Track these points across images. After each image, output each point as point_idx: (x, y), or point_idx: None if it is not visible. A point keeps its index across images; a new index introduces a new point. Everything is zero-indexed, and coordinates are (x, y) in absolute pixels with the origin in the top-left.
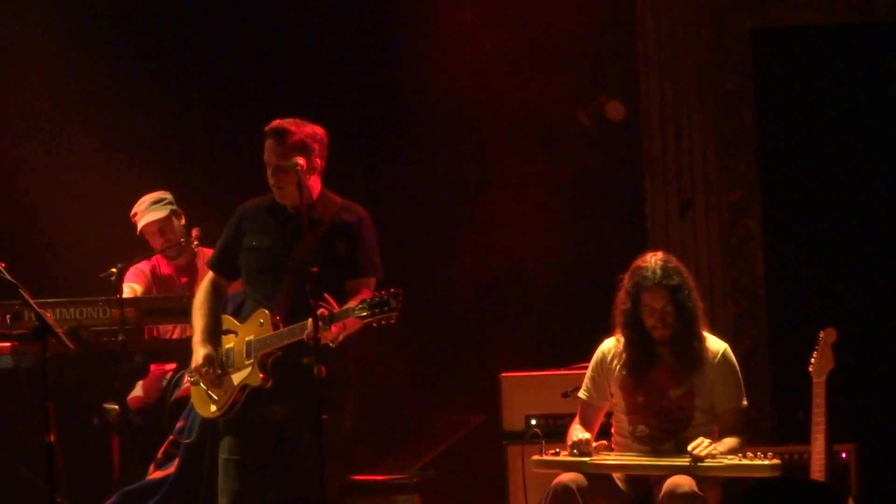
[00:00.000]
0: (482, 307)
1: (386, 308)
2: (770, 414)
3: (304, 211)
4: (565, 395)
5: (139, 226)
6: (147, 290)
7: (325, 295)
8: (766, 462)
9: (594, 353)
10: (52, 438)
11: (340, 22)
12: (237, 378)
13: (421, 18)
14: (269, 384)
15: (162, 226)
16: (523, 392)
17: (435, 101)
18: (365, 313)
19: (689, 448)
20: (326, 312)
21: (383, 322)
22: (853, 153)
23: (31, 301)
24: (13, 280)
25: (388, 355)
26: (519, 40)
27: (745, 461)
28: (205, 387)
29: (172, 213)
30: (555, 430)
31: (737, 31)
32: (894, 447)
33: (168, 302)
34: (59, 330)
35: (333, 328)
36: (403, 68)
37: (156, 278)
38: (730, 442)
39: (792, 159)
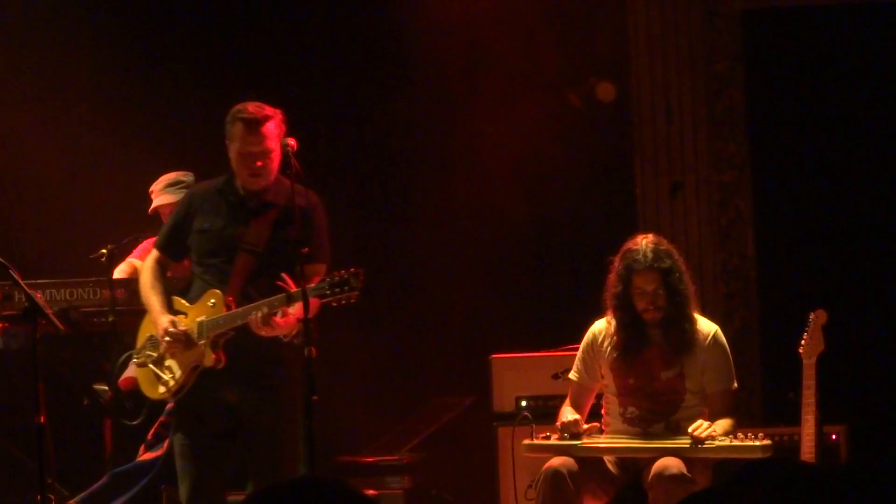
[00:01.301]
0: (472, 288)
1: (347, 287)
2: (760, 395)
3: (293, 196)
4: (556, 376)
5: (153, 205)
6: None
7: (283, 275)
8: (758, 443)
9: (584, 334)
10: (42, 419)
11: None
12: (189, 358)
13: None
14: (222, 364)
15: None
16: (513, 373)
17: (424, 82)
18: (326, 292)
19: (690, 430)
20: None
21: (343, 302)
22: (844, 134)
23: (22, 282)
24: (3, 261)
25: (378, 337)
26: (509, 22)
27: (736, 442)
28: (154, 368)
29: None
30: (545, 412)
31: (727, 12)
32: (884, 428)
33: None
34: (49, 311)
35: (281, 321)
36: (392, 50)
37: None
38: (724, 424)
39: (782, 140)
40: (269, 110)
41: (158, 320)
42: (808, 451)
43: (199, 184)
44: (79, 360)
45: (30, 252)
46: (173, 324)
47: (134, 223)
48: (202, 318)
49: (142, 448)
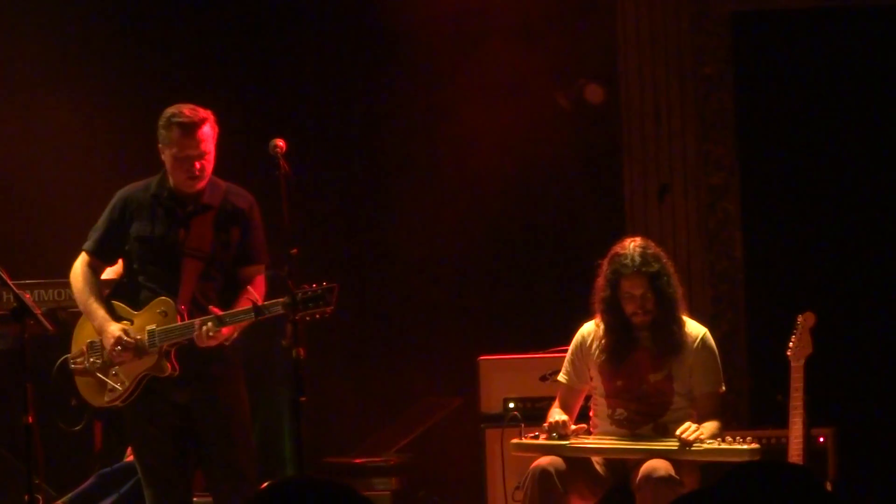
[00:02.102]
0: (460, 290)
1: (321, 303)
2: (748, 398)
3: (284, 189)
4: (544, 378)
5: None
6: None
7: (249, 288)
8: (746, 447)
9: (573, 336)
10: (30, 420)
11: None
12: (139, 367)
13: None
14: (176, 373)
15: None
16: (501, 375)
17: (411, 84)
18: (299, 307)
19: (678, 433)
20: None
21: (317, 317)
22: (833, 137)
23: (10, 282)
24: None
25: (365, 338)
26: (498, 23)
27: (724, 446)
28: (99, 375)
29: None
30: (533, 414)
31: (716, 15)
32: (872, 431)
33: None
34: (37, 311)
35: (225, 330)
36: (379, 50)
37: None
38: (711, 426)
39: (771, 143)
40: (203, 112)
41: (107, 328)
42: (795, 453)
43: (129, 187)
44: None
45: (18, 252)
46: (125, 332)
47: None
48: (152, 326)
49: (129, 449)
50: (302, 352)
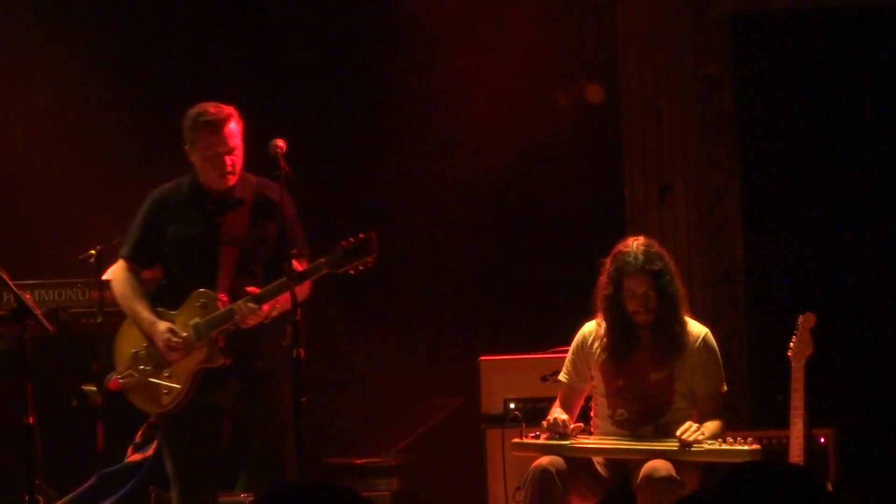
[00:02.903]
0: (461, 290)
1: (363, 252)
2: (748, 398)
3: (284, 189)
4: (544, 378)
5: None
6: None
7: (290, 254)
8: (746, 447)
9: (574, 336)
10: (30, 420)
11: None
12: (190, 363)
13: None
14: (228, 362)
15: None
16: (502, 375)
17: (413, 85)
18: (342, 262)
19: (678, 433)
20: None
21: (361, 268)
22: (833, 137)
23: (10, 282)
24: None
25: (366, 338)
26: (498, 23)
27: (725, 446)
28: (152, 380)
29: None
30: (533, 414)
31: (717, 15)
32: (873, 432)
33: (147, 285)
34: (37, 311)
35: (265, 306)
36: (376, 49)
37: None
38: (713, 426)
39: (771, 143)
40: (227, 108)
41: (155, 329)
42: (796, 454)
43: (160, 189)
44: (67, 360)
45: (18, 253)
46: (172, 331)
47: (123, 224)
48: (195, 320)
49: (130, 449)
50: (302, 352)
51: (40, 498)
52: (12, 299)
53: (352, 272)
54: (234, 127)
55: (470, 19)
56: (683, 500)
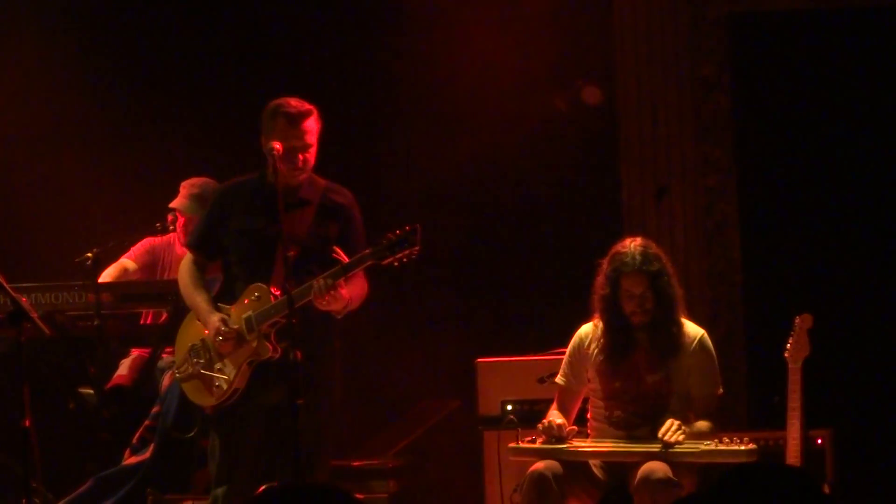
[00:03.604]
0: (458, 292)
1: (407, 245)
2: (746, 399)
3: (281, 192)
4: (541, 380)
5: (176, 203)
6: (144, 268)
7: (335, 248)
8: (743, 448)
9: (571, 338)
10: (27, 423)
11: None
12: (242, 356)
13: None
14: (278, 355)
15: (187, 222)
16: (499, 378)
17: (410, 88)
18: (387, 253)
19: (660, 433)
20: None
21: (405, 260)
22: (830, 138)
23: (7, 285)
24: None
25: (363, 340)
26: (494, 25)
27: (721, 447)
28: (205, 373)
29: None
30: (531, 416)
31: (713, 16)
32: (869, 433)
33: (144, 287)
34: (34, 314)
35: (343, 292)
36: (373, 55)
37: (166, 255)
38: (700, 426)
39: (768, 144)
40: (309, 105)
41: (209, 320)
42: (793, 455)
43: (229, 182)
44: (64, 363)
45: (15, 256)
46: (224, 322)
47: (119, 227)
48: (248, 313)
49: (127, 452)
50: (299, 354)
51: (37, 501)
52: (9, 302)
53: (395, 264)
54: (312, 124)
55: (466, 22)
56: (681, 501)
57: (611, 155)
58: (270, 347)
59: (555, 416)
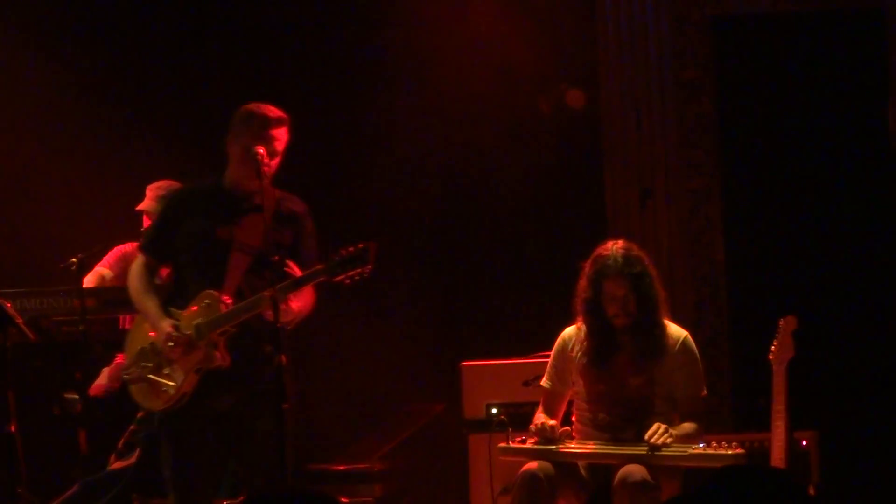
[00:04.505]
0: (442, 296)
1: (359, 262)
2: (730, 402)
3: (265, 192)
4: (526, 384)
5: (143, 205)
6: (120, 274)
7: (288, 261)
8: (730, 452)
9: (555, 341)
10: (12, 428)
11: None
12: (190, 362)
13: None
14: (227, 363)
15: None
16: (484, 381)
17: (394, 90)
18: (338, 270)
19: (646, 436)
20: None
21: (357, 279)
22: (813, 141)
23: None
24: None
25: (348, 344)
26: (478, 28)
27: (709, 451)
28: (152, 377)
29: None
30: (515, 419)
31: (696, 19)
32: (854, 435)
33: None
34: (19, 320)
35: (293, 305)
36: (359, 59)
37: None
38: (686, 428)
39: (752, 147)
40: (284, 114)
41: (159, 325)
42: (778, 457)
43: (184, 186)
44: (49, 369)
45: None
46: (175, 327)
47: (104, 232)
48: (199, 319)
49: (112, 457)
50: (284, 358)
51: None
52: None
53: (347, 282)
54: (283, 133)
55: (450, 25)
56: None
57: (594, 158)
58: (219, 356)
59: (545, 418)
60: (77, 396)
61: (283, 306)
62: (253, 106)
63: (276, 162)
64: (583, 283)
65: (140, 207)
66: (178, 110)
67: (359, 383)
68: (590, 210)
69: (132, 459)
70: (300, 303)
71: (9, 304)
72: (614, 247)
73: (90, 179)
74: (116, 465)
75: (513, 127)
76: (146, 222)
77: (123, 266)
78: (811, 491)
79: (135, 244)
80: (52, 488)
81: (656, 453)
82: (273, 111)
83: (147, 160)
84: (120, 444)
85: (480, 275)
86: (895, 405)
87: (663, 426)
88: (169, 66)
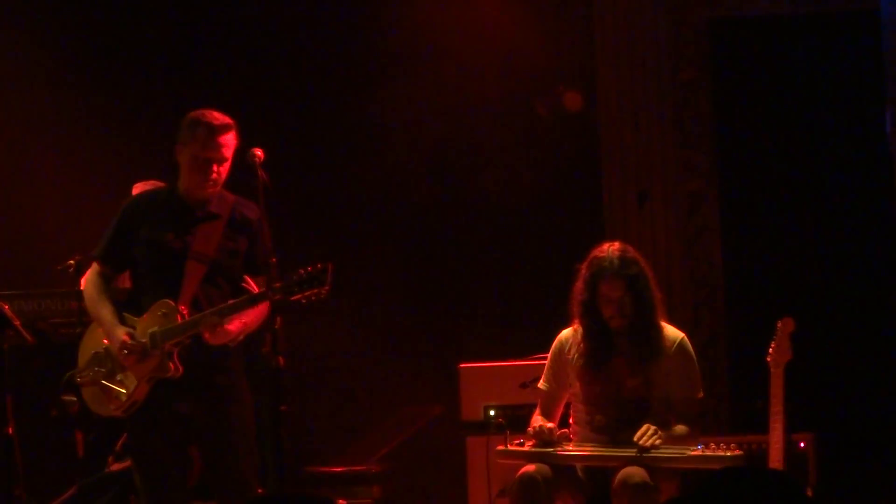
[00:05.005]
0: (440, 298)
1: (316, 283)
2: (728, 404)
3: (262, 199)
4: (524, 385)
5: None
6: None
7: (246, 277)
8: (729, 454)
9: (552, 343)
10: (10, 430)
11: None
12: (143, 370)
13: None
14: (179, 373)
15: None
16: (482, 382)
17: (392, 92)
18: (294, 289)
19: (635, 437)
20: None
21: (313, 299)
22: (810, 143)
23: None
24: None
25: (345, 346)
26: (476, 31)
27: (707, 453)
28: (105, 383)
29: None
30: (513, 421)
31: (694, 21)
32: (852, 437)
33: (126, 294)
34: (17, 322)
35: (231, 327)
36: (358, 61)
37: None
38: (678, 430)
39: (749, 149)
40: (229, 119)
41: (113, 333)
42: (775, 459)
43: (139, 194)
44: (47, 371)
45: None
46: (130, 335)
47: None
48: (154, 328)
49: (110, 458)
50: (281, 360)
51: None
52: None
53: (303, 301)
54: (230, 138)
55: (447, 28)
56: None
57: (592, 160)
58: (172, 367)
59: (543, 421)
60: (74, 398)
61: (219, 328)
62: (198, 114)
63: (225, 168)
64: (579, 284)
65: None
66: (179, 111)
67: (357, 385)
68: (587, 212)
69: (130, 461)
70: (242, 321)
71: (6, 307)
72: (610, 249)
73: (88, 181)
74: (114, 466)
75: (510, 129)
76: None
77: None
78: (809, 493)
79: None
80: (50, 490)
81: (654, 455)
82: (218, 118)
83: (146, 162)
84: (118, 446)
85: (478, 277)
86: (893, 407)
87: (652, 427)
88: (171, 66)
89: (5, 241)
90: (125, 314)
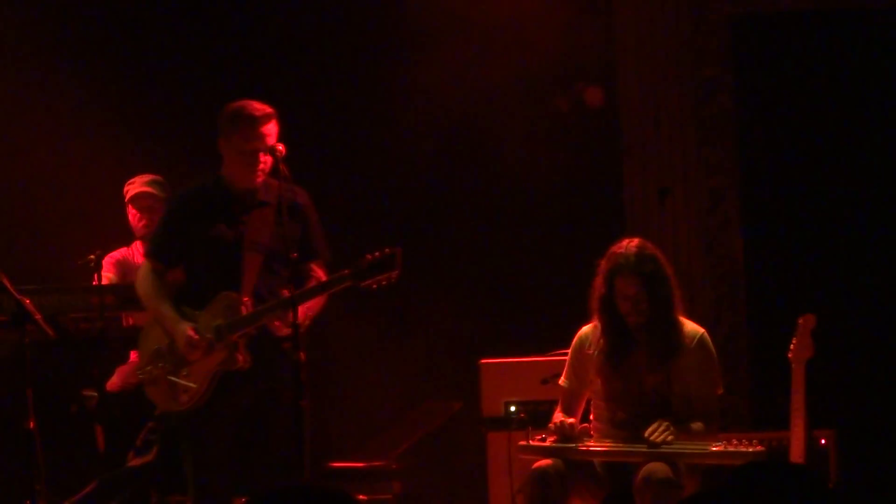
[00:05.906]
0: (461, 293)
1: (386, 268)
2: (749, 400)
3: (283, 191)
4: (545, 381)
5: (130, 193)
6: (119, 279)
7: (312, 265)
8: (751, 450)
9: (573, 339)
10: (31, 425)
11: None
12: (210, 364)
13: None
14: (248, 365)
15: (153, 203)
16: (502, 378)
17: (413, 89)
18: (366, 275)
19: (646, 433)
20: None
21: (384, 283)
22: (832, 139)
23: (11, 287)
24: None
25: (366, 342)
26: (497, 27)
27: (729, 448)
28: (171, 378)
29: (165, 199)
30: (534, 417)
31: (715, 17)
32: (873, 433)
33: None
34: (37, 316)
35: (299, 311)
36: (375, 57)
37: (129, 267)
38: (695, 427)
39: (771, 146)
40: (270, 108)
41: (177, 328)
42: (797, 455)
43: (185, 189)
44: (67, 365)
45: (18, 258)
46: (195, 331)
47: (122, 229)
48: (218, 321)
49: (130, 454)
50: (303, 356)
51: (42, 503)
52: (13, 304)
53: (374, 287)
54: (272, 127)
55: (467, 23)
56: (687, 500)
57: (613, 156)
58: (241, 359)
59: (564, 416)
60: (95, 393)
61: (279, 322)
62: (237, 106)
63: (269, 157)
64: (598, 280)
65: (130, 197)
66: (200, 108)
67: (377, 381)
68: (608, 208)
69: (150, 456)
70: (306, 305)
71: (27, 301)
72: (628, 245)
73: (108, 176)
74: (134, 462)
75: (532, 125)
76: (131, 214)
77: (120, 272)
78: None
79: (119, 251)
80: (70, 485)
81: (677, 451)
82: (258, 108)
83: (169, 158)
84: (138, 441)
85: (499, 272)
86: None
87: (664, 423)
88: (193, 62)
89: (25, 235)
90: (184, 308)
